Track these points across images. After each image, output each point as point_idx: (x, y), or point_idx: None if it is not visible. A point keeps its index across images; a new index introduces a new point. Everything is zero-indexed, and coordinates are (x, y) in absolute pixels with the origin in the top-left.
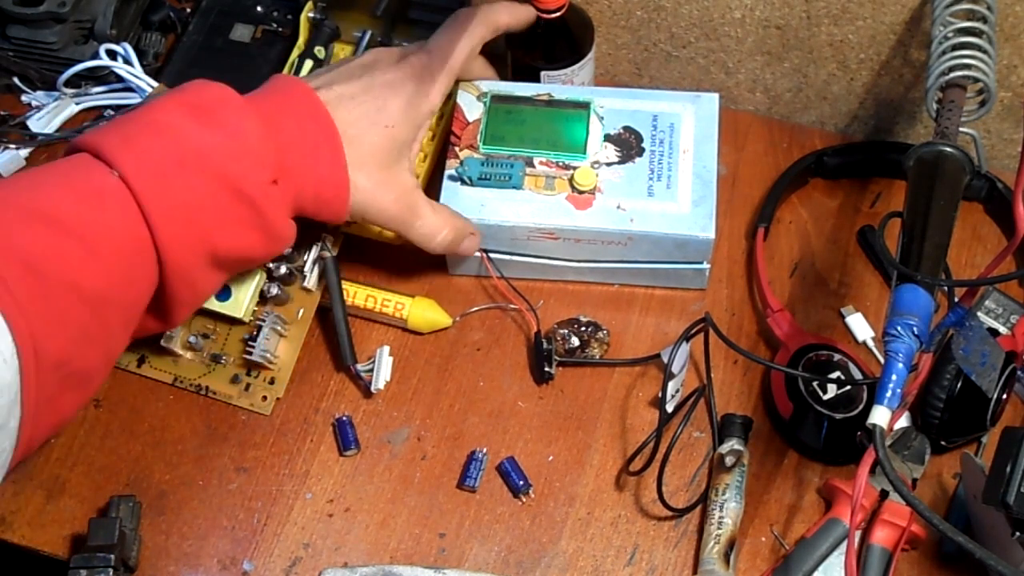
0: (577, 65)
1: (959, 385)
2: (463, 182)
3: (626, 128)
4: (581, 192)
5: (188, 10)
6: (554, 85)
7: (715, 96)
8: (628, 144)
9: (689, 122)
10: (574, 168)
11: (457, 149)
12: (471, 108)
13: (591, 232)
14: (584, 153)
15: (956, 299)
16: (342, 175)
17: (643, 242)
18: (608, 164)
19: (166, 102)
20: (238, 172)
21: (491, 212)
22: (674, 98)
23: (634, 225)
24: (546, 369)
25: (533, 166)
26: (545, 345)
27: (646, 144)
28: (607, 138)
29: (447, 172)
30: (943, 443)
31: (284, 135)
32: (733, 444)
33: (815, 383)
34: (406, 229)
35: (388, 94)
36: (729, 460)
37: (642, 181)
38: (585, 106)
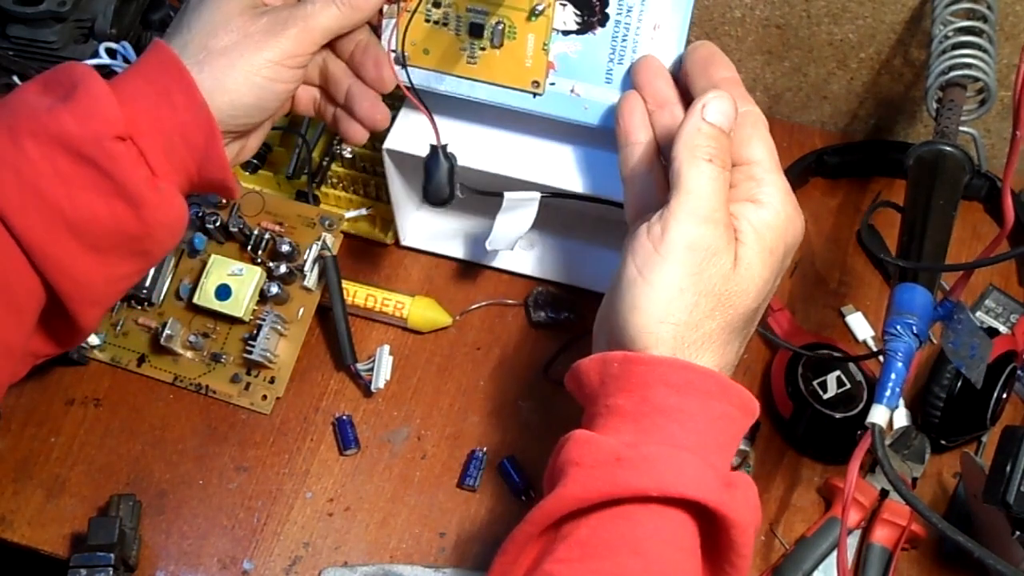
0: None
1: (959, 385)
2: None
3: None
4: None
5: None
6: None
7: None
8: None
9: None
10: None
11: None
12: None
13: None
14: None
15: (948, 287)
16: (203, 112)
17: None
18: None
19: (29, 82)
20: (71, 130)
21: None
22: None
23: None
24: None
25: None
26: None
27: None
28: None
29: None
30: (943, 442)
31: (129, 88)
32: (740, 444)
33: (815, 382)
34: (307, 41)
35: None
36: (735, 460)
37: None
38: None
